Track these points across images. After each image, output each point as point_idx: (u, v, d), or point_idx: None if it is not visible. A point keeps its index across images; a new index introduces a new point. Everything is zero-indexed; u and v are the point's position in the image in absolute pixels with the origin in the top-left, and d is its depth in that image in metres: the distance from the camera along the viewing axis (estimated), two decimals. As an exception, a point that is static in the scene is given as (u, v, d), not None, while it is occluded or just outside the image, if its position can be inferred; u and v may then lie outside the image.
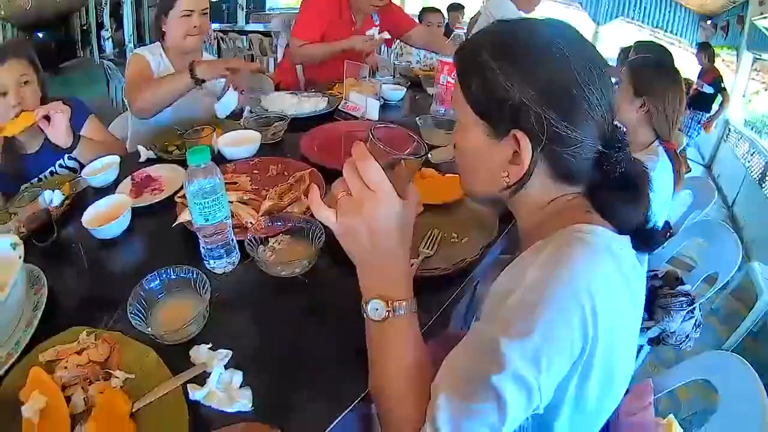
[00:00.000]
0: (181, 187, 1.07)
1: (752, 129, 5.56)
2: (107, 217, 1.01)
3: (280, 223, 0.96)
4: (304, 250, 0.93)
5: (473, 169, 0.72)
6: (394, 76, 2.47)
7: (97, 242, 1.00)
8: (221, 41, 7.61)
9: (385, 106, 1.90)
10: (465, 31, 1.86)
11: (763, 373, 0.96)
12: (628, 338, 0.61)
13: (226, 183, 1.11)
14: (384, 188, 0.60)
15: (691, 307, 1.62)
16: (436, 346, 0.71)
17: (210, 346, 0.72)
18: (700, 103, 5.25)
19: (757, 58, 5.68)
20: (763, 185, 4.35)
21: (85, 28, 8.26)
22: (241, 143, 1.33)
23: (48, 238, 1.00)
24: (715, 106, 5.26)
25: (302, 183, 1.11)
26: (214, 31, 7.76)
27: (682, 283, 1.65)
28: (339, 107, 1.78)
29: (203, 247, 0.88)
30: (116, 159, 1.26)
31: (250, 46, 6.90)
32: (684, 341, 1.67)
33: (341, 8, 2.21)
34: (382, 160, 0.60)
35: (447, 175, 1.25)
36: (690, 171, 1.63)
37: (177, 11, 1.62)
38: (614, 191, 0.64)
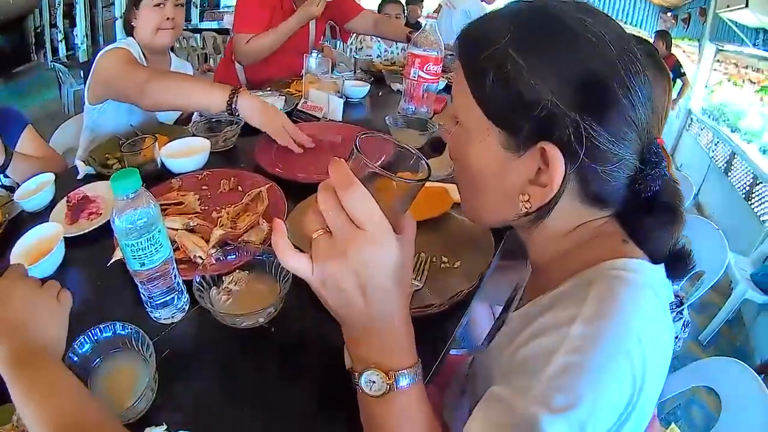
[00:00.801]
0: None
1: (710, 117, 5.65)
2: (39, 252, 0.85)
3: (234, 257, 0.77)
4: (267, 291, 0.75)
5: (481, 189, 0.58)
6: (355, 72, 2.31)
7: (30, 282, 0.83)
8: (174, 40, 7.40)
9: (346, 105, 1.75)
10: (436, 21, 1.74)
11: (739, 358, 0.98)
12: (665, 370, 0.51)
13: (170, 204, 0.96)
14: (376, 224, 0.45)
15: (679, 309, 1.57)
16: (433, 389, 0.59)
17: (166, 428, 0.56)
18: (661, 90, 5.33)
19: (720, 49, 5.76)
20: (729, 174, 4.40)
21: (39, 30, 7.88)
22: (187, 153, 1.17)
23: None
24: (674, 94, 5.34)
25: (260, 202, 0.95)
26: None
27: (669, 284, 1.60)
28: (298, 107, 1.63)
29: (143, 294, 0.71)
30: (51, 177, 1.10)
31: (203, 45, 6.74)
32: (674, 342, 1.63)
33: None
34: (367, 181, 0.45)
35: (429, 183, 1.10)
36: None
37: (148, 1, 1.44)
38: (650, 214, 0.53)
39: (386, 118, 1.42)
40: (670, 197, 0.55)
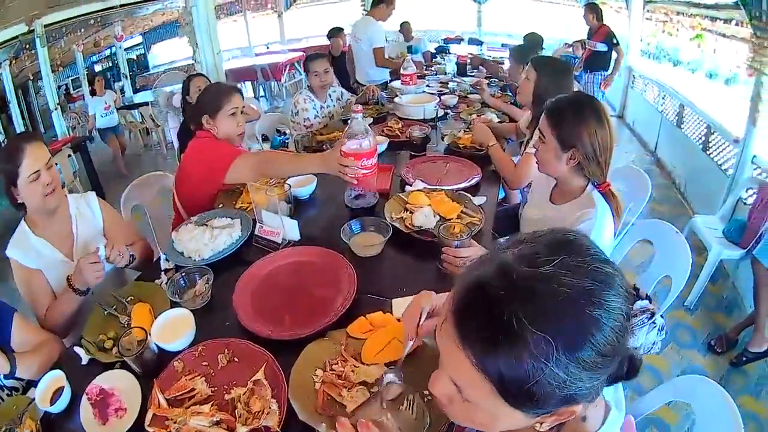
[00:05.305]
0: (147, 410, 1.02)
1: (651, 57, 5.70)
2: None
3: None
4: None
5: (488, 423, 0.65)
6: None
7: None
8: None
9: (298, 203, 1.94)
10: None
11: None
12: None
13: (184, 394, 1.06)
14: None
15: (652, 320, 1.64)
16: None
17: None
18: (596, 63, 5.50)
19: (648, 1, 5.87)
20: (682, 126, 4.47)
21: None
22: (176, 331, 1.22)
23: None
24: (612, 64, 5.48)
25: (263, 388, 1.03)
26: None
27: (639, 296, 1.67)
28: (256, 232, 1.67)
29: None
30: (60, 375, 1.14)
31: (142, 119, 6.77)
32: (651, 348, 1.70)
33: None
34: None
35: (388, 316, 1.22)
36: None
37: (24, 179, 1.48)
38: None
39: (342, 230, 1.55)
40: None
